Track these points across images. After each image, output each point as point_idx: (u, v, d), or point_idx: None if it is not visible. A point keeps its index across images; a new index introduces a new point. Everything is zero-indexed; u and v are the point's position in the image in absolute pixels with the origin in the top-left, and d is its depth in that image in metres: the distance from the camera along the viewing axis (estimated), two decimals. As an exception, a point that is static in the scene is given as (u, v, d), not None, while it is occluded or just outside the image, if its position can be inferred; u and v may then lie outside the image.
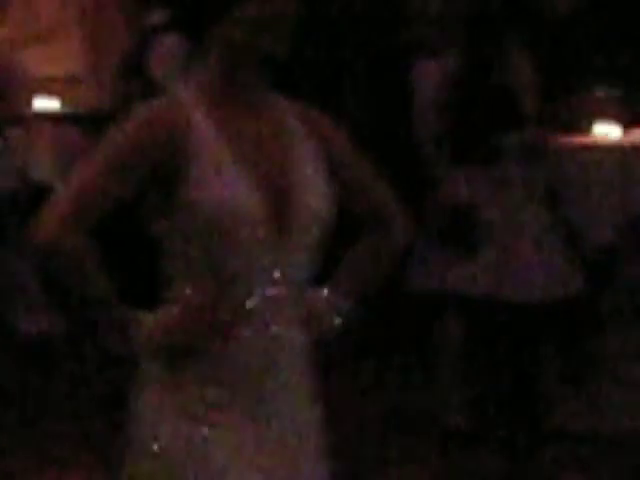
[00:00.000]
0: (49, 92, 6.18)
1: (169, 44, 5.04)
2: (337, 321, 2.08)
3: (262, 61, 1.92)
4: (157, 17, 5.21)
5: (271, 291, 1.93)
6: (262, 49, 1.90)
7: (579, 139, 4.53)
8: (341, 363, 4.96)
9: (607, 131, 4.54)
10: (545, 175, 4.32)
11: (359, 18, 5.98)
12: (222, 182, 1.89)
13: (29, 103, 5.84)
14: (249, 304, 1.92)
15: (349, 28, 5.97)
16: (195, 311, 1.90)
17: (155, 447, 1.92)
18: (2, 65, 5.48)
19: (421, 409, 4.89)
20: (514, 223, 4.17)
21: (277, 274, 1.93)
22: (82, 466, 4.44)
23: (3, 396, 5.04)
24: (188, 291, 1.92)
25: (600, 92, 4.68)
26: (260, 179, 1.92)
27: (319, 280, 2.07)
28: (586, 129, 4.55)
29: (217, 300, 1.90)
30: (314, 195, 1.97)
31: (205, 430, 1.92)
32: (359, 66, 5.98)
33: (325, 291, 2.08)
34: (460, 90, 4.22)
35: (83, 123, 6.02)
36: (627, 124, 4.58)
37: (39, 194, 4.85)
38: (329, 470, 2.06)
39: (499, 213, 4.17)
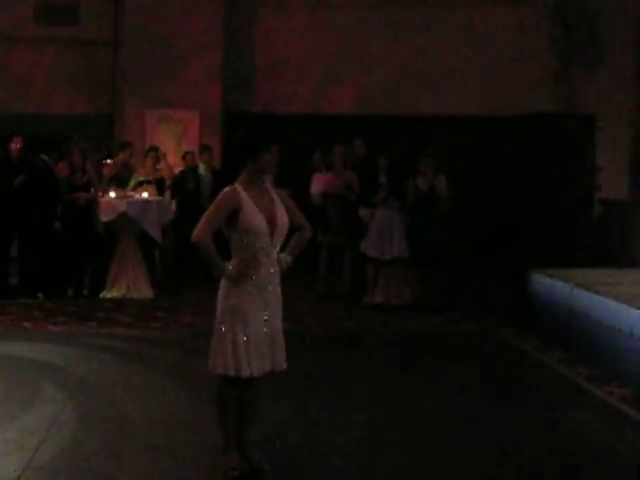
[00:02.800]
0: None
1: None
2: (286, 265, 5.05)
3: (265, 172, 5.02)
4: None
5: (272, 257, 4.96)
6: (270, 171, 5.13)
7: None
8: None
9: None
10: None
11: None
12: (253, 217, 4.87)
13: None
14: (264, 260, 4.92)
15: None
16: (245, 262, 4.90)
17: (227, 305, 4.89)
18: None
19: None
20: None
21: (273, 250, 4.98)
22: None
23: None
24: (243, 255, 4.89)
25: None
26: (265, 214, 4.89)
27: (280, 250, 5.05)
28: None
29: (252, 259, 4.89)
30: (284, 219, 4.95)
31: (246, 299, 4.90)
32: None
33: (284, 254, 5.07)
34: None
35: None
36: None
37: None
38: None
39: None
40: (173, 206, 12.39)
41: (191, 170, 12.72)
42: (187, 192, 12.47)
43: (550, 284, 9.05)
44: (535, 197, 10.17)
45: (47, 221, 11.19)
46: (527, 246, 10.14)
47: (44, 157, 11.44)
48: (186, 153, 12.91)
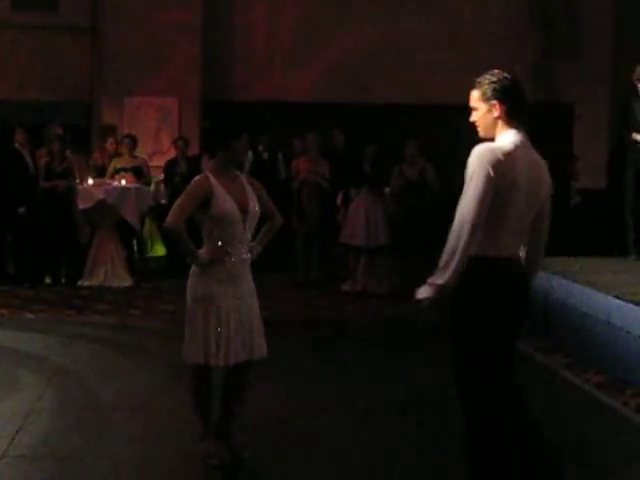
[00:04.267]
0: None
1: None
2: (256, 254, 5.05)
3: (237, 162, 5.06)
4: None
5: (243, 244, 4.95)
6: (240, 161, 5.19)
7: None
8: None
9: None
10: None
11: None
12: (225, 204, 4.85)
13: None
14: (236, 247, 4.90)
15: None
16: (217, 249, 4.89)
17: (197, 293, 4.90)
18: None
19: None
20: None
21: (244, 238, 4.95)
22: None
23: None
24: (215, 242, 4.87)
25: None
26: (236, 202, 4.85)
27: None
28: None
29: (224, 246, 4.87)
30: (255, 206, 4.96)
31: (218, 287, 4.87)
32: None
33: (254, 243, 5.06)
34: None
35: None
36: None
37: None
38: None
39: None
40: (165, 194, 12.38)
41: (182, 157, 12.59)
42: (179, 179, 12.19)
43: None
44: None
45: (13, 207, 11.15)
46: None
47: (16, 145, 11.38)
48: (177, 139, 12.79)
